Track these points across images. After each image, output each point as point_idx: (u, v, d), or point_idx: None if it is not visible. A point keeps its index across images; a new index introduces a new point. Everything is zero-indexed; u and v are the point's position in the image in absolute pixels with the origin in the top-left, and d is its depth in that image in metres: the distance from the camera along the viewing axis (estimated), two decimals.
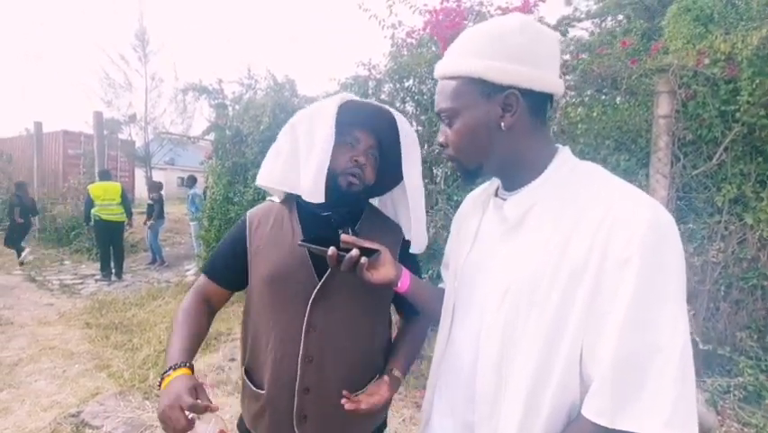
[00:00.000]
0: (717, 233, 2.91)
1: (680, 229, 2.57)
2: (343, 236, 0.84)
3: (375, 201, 1.13)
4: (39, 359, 3.30)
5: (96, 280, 6.09)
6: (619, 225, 0.60)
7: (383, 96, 4.37)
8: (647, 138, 3.10)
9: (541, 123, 0.73)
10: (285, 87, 5.54)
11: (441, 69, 0.76)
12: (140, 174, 12.71)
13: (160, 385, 0.83)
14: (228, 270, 1.02)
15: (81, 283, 5.96)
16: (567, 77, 3.62)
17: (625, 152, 3.23)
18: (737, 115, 2.74)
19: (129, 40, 11.73)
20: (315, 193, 0.89)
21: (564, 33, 3.81)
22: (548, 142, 0.75)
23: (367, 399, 0.91)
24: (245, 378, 1.01)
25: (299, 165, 0.94)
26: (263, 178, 1.00)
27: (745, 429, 2.41)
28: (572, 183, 0.69)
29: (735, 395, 2.58)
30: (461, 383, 0.76)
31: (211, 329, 3.50)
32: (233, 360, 3.15)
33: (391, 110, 0.93)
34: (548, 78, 0.70)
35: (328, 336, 0.92)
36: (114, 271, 6.21)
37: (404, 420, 2.47)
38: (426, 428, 0.89)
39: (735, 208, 2.89)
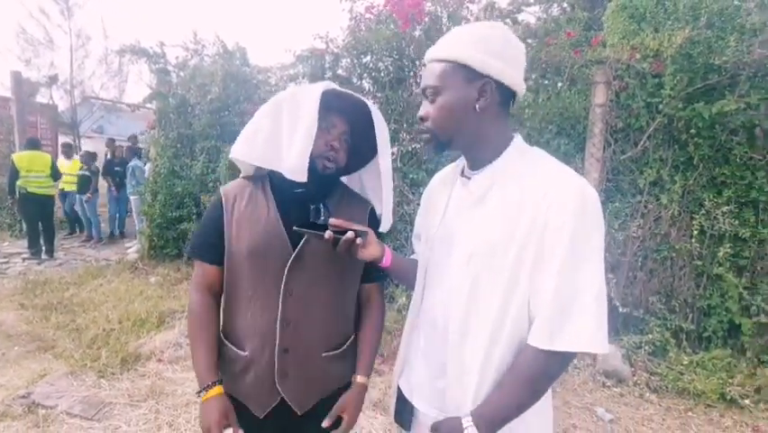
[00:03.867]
0: (638, 211, 3.31)
1: (607, 208, 2.94)
2: (332, 220, 0.93)
3: (344, 179, 1.20)
4: None
5: (24, 259, 5.61)
6: (556, 199, 0.77)
7: (340, 72, 4.33)
8: (584, 124, 3.41)
9: (504, 113, 0.89)
10: (235, 55, 5.29)
11: (433, 53, 0.88)
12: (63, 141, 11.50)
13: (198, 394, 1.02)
14: (215, 246, 1.05)
15: (6, 263, 5.46)
16: None
17: (565, 137, 3.53)
18: (660, 106, 3.09)
19: None
20: (298, 173, 0.95)
21: (515, 21, 3.98)
22: (507, 129, 0.90)
23: (347, 418, 1.05)
24: (226, 342, 1.08)
25: (282, 144, 0.98)
26: (240, 152, 1.03)
27: (653, 378, 2.85)
28: (524, 165, 0.85)
29: (645, 350, 3.03)
30: (437, 329, 0.91)
31: (164, 307, 3.43)
32: None
33: (367, 102, 1.01)
34: (515, 77, 0.85)
35: (304, 300, 1.02)
36: (44, 248, 5.74)
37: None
38: (402, 374, 1.03)
39: (654, 190, 3.30)
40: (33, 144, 5.78)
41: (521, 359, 0.80)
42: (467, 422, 0.81)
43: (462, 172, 0.95)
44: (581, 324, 0.75)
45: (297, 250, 1.00)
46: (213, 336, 1.06)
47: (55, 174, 5.79)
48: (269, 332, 1.00)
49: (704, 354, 2.93)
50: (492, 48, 0.82)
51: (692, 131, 3.02)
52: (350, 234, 0.91)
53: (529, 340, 0.79)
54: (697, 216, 3.08)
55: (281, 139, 0.99)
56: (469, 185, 0.90)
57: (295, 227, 0.93)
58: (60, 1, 10.06)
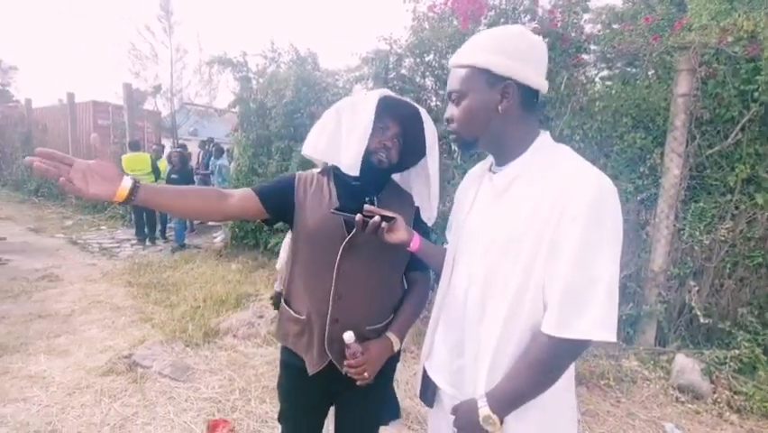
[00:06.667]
0: (728, 212, 2.97)
1: (689, 208, 2.69)
2: (366, 206, 1.04)
3: (396, 176, 1.34)
4: (89, 311, 3.68)
5: (132, 245, 6.53)
6: (573, 192, 0.79)
7: (403, 71, 4.43)
8: (665, 116, 3.13)
9: (528, 112, 0.91)
10: (307, 60, 5.64)
11: (455, 59, 0.94)
12: (166, 144, 13.09)
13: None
14: (272, 195, 1.18)
15: (118, 247, 6.40)
16: (593, 47, 3.61)
17: (642, 130, 3.26)
18: (756, 94, 2.75)
19: (154, 10, 11.78)
20: (352, 167, 1.11)
21: (586, 10, 3.76)
22: (532, 127, 0.92)
23: (365, 357, 1.11)
24: (285, 306, 1.25)
25: (340, 143, 1.16)
26: (308, 149, 1.21)
27: (736, 396, 2.56)
28: (546, 161, 0.88)
29: (730, 366, 2.73)
30: (457, 313, 0.98)
31: (241, 290, 3.81)
32: (261, 317, 3.45)
33: (420, 109, 1.13)
34: (535, 76, 0.88)
35: (354, 278, 1.15)
36: (148, 236, 6.63)
37: (415, 374, 2.72)
38: (431, 353, 1.10)
39: (747, 188, 2.94)
40: (135, 146, 6.76)
41: (533, 344, 0.83)
42: (482, 403, 0.86)
43: (490, 168, 1.01)
44: (592, 313, 0.76)
45: (350, 234, 1.13)
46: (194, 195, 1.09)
47: (156, 172, 6.65)
48: (323, 303, 1.15)
49: None
50: (510, 49, 0.86)
51: None
52: (376, 218, 1.01)
53: (541, 327, 0.81)
54: None
55: (341, 139, 1.16)
56: (494, 179, 0.95)
57: (332, 210, 1.06)
58: (163, 19, 11.41)
